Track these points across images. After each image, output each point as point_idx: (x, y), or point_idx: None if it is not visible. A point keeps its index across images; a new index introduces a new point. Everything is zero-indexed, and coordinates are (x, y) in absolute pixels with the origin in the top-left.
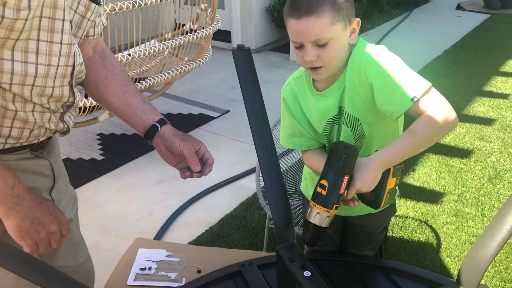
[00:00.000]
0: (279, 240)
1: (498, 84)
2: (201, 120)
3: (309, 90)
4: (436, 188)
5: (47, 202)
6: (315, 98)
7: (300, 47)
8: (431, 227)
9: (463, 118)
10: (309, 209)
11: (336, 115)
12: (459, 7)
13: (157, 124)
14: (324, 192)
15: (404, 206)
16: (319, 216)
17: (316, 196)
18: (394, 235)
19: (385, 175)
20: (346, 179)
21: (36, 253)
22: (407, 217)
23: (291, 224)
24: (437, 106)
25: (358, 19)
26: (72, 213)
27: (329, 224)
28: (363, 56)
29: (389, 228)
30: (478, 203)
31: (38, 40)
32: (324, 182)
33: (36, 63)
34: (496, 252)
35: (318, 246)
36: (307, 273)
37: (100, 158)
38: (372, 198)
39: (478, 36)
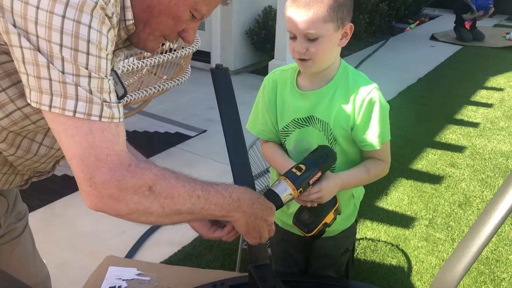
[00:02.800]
0: (251, 260)
1: (468, 113)
2: (178, 139)
3: (290, 85)
4: (408, 213)
5: (260, 197)
6: (292, 94)
7: (294, 37)
8: (402, 251)
9: (435, 145)
10: (277, 181)
11: (303, 118)
12: (432, 37)
13: None
14: (298, 173)
15: (376, 230)
16: (284, 189)
17: (289, 173)
18: (366, 258)
19: (331, 206)
20: (319, 174)
21: (257, 243)
22: (379, 240)
23: (263, 245)
24: (387, 159)
25: (351, 24)
26: (21, 228)
27: (285, 203)
28: (369, 87)
29: (361, 251)
30: (449, 228)
31: None
32: (302, 166)
33: (57, 149)
34: (463, 274)
35: (283, 267)
36: None
37: (72, 174)
38: (309, 222)
39: (450, 66)
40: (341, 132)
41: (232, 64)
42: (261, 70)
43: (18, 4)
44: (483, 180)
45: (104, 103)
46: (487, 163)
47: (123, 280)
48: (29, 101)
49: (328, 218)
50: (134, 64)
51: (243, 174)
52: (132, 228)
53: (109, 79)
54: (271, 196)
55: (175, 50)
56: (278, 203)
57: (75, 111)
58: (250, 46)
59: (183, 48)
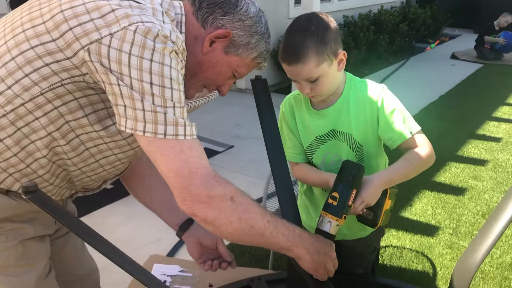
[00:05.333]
0: None
1: (490, 128)
2: (207, 154)
3: (305, 107)
4: (432, 222)
5: (318, 236)
6: (310, 115)
7: (296, 81)
8: (427, 257)
9: (458, 158)
10: (321, 218)
11: (324, 134)
12: (453, 56)
13: None
14: (335, 203)
15: (401, 238)
16: (329, 224)
17: (327, 207)
18: (392, 264)
19: (383, 196)
20: (354, 192)
21: (325, 279)
22: (404, 248)
23: None
24: (426, 144)
25: (343, 51)
26: None
27: (336, 233)
28: (377, 89)
29: (387, 257)
30: (472, 237)
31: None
32: (335, 194)
33: (106, 170)
34: (483, 257)
35: None
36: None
37: (109, 187)
38: (370, 217)
39: (472, 84)
40: (364, 138)
41: None
42: (284, 90)
43: (114, 52)
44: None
45: (186, 125)
46: (510, 176)
47: (168, 276)
48: (123, 129)
49: (386, 205)
50: None
51: (282, 174)
52: (168, 235)
53: (185, 108)
54: (322, 234)
55: None
56: (332, 239)
57: (165, 134)
58: (274, 66)
59: None
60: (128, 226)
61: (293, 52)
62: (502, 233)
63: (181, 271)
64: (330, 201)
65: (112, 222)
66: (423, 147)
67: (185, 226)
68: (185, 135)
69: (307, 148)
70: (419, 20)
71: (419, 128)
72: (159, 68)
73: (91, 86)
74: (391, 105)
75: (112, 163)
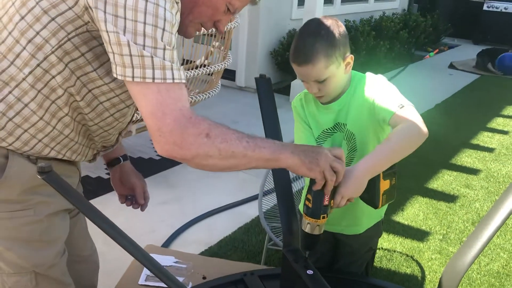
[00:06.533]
0: (285, 245)
1: (484, 138)
2: None
3: (314, 102)
4: (423, 227)
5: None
6: (318, 110)
7: (304, 81)
8: (417, 261)
9: (451, 166)
10: (302, 219)
11: (330, 127)
12: (451, 66)
13: (121, 158)
14: (310, 205)
15: (392, 241)
16: (309, 225)
17: (304, 208)
18: (382, 266)
19: (376, 178)
20: (328, 190)
21: (322, 179)
22: (394, 251)
23: (296, 232)
24: (412, 119)
25: (351, 55)
26: None
27: (321, 231)
28: (374, 78)
29: (377, 260)
30: (461, 243)
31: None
32: (309, 196)
33: (121, 121)
34: (472, 261)
35: (313, 261)
36: (309, 272)
37: (106, 177)
38: (369, 199)
39: (468, 94)
40: (358, 126)
41: None
42: (284, 89)
43: None
44: None
45: (173, 68)
46: (501, 186)
47: (163, 266)
48: (115, 75)
49: (384, 186)
50: None
51: (281, 173)
52: (163, 227)
53: (175, 51)
54: (303, 234)
55: (205, 66)
56: (315, 239)
57: (153, 78)
58: (274, 66)
59: (213, 64)
60: (123, 216)
61: (304, 54)
62: (491, 238)
63: (176, 262)
64: (306, 202)
65: (107, 212)
66: (406, 122)
67: (112, 163)
68: (173, 79)
69: (316, 139)
70: (420, 28)
71: (408, 103)
72: (153, 9)
73: (94, 35)
74: (383, 87)
75: (125, 114)
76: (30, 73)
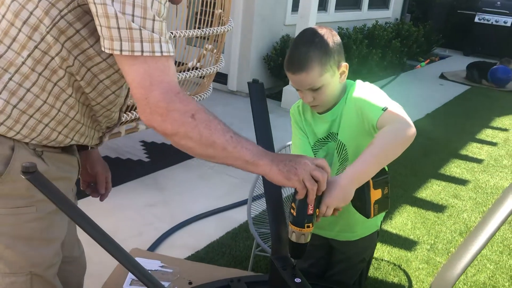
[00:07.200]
0: (274, 252)
1: (473, 149)
2: None
3: (310, 111)
4: (411, 237)
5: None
6: (313, 119)
7: (299, 90)
8: (404, 271)
9: (440, 176)
10: (288, 228)
11: (324, 137)
12: (442, 76)
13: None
14: (294, 213)
15: (380, 250)
16: (295, 234)
17: (290, 217)
18: (369, 275)
19: (365, 187)
20: (312, 199)
21: (302, 187)
22: (382, 259)
23: (285, 239)
24: (397, 119)
25: (345, 64)
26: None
27: (307, 240)
28: (362, 85)
29: None
30: (449, 254)
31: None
32: (293, 204)
33: (122, 97)
34: (461, 272)
35: (307, 266)
36: (297, 280)
37: None
38: (361, 207)
39: (458, 104)
40: (348, 137)
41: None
42: (276, 95)
43: None
44: (484, 213)
45: (161, 41)
46: (489, 197)
47: (148, 270)
48: (103, 49)
49: (376, 195)
50: None
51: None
52: (149, 231)
53: (165, 23)
54: (293, 245)
55: (197, 69)
56: (302, 248)
57: (142, 51)
58: (267, 71)
59: (203, 67)
60: (110, 218)
61: (298, 62)
62: (480, 250)
63: (162, 266)
64: (291, 211)
65: (93, 214)
66: (391, 123)
67: (82, 148)
68: (161, 52)
69: (312, 147)
70: (412, 38)
71: (394, 104)
72: None
73: (86, 9)
74: (369, 93)
75: (125, 90)
76: (29, 56)
